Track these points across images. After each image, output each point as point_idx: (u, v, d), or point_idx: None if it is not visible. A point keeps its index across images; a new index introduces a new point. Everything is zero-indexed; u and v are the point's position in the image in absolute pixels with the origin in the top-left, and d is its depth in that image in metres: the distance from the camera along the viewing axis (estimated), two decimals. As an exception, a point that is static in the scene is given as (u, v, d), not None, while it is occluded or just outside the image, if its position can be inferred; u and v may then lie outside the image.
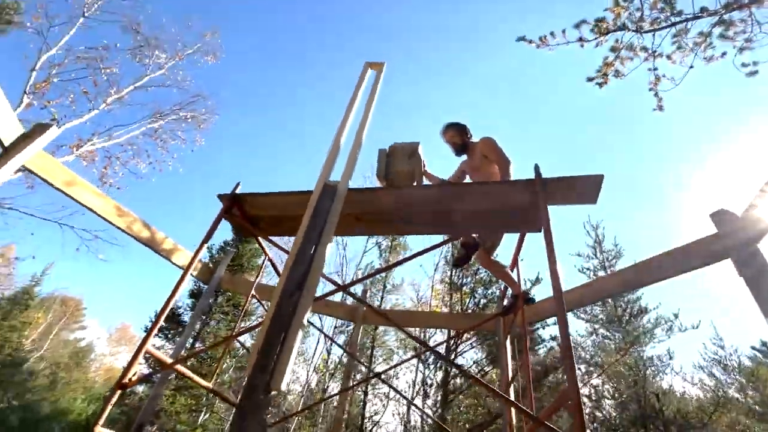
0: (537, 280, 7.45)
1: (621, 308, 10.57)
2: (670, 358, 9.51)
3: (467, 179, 3.29)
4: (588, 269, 11.87)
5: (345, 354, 3.85)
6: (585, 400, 9.61)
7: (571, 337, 1.57)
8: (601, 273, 11.91)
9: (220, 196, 2.63)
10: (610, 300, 11.46)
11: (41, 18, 9.19)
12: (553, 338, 8.06)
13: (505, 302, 3.47)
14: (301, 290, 1.60)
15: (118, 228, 3.51)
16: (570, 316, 13.19)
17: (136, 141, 10.99)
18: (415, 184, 2.51)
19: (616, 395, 8.81)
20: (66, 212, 8.55)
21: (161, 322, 2.22)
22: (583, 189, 2.13)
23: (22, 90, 8.15)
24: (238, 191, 2.60)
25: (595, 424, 8.60)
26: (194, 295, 12.69)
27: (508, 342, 4.04)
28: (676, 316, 9.18)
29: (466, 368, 7.79)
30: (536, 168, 2.17)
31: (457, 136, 3.12)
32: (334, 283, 2.83)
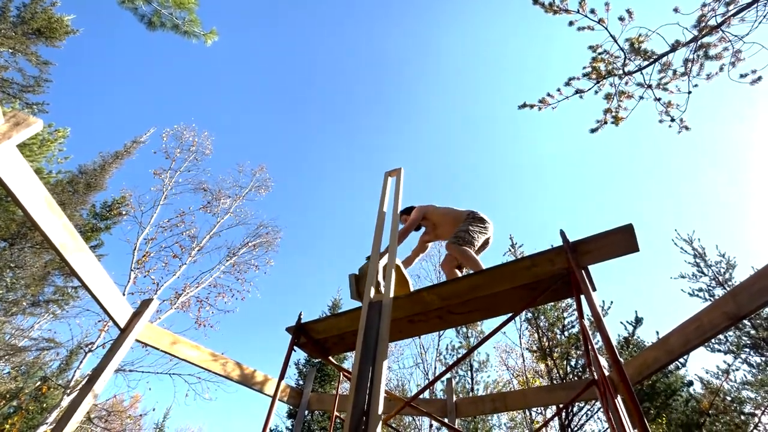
0: (637, 321, 6.58)
1: (762, 327, 8.77)
2: None
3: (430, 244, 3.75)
4: (700, 290, 10.28)
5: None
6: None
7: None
8: (720, 291, 10.25)
9: (288, 329, 2.93)
10: (746, 320, 9.61)
11: (135, 208, 11.88)
12: (688, 384, 6.78)
13: None
14: (368, 420, 1.70)
15: (214, 372, 3.91)
16: (702, 350, 11.07)
17: (219, 280, 12.46)
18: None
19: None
20: (173, 363, 9.65)
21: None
22: (618, 242, 2.11)
23: (129, 269, 10.22)
24: (301, 322, 2.88)
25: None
26: (292, 415, 12.76)
27: (621, 407, 3.55)
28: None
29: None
30: (562, 233, 2.23)
31: (408, 215, 3.69)
32: (396, 398, 2.83)
